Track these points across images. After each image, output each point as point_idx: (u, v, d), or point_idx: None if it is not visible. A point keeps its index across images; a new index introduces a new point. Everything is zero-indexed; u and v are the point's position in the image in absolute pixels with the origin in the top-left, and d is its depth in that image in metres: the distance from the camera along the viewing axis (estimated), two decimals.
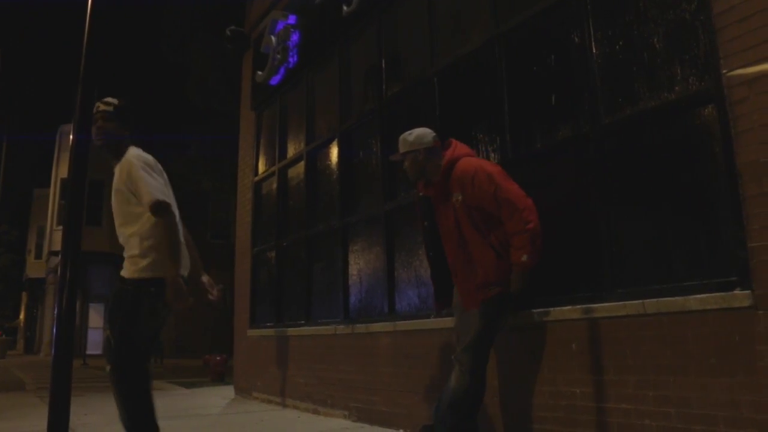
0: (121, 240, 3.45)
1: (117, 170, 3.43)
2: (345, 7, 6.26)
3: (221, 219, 25.96)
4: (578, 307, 3.56)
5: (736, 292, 2.89)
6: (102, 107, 3.49)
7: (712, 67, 3.12)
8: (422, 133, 3.78)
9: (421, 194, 3.91)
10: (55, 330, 2.97)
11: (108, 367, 3.27)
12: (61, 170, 27.23)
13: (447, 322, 4.45)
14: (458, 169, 3.62)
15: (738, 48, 3.00)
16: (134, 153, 3.44)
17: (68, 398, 2.93)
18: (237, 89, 9.76)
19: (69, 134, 26.57)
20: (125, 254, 3.40)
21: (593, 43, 3.76)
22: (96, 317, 26.40)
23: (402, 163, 3.85)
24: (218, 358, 11.56)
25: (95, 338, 25.84)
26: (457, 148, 3.76)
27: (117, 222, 3.46)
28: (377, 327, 5.29)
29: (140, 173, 3.30)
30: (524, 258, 3.39)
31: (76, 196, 3.13)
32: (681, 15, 3.34)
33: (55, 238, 26.92)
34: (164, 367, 17.91)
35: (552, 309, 3.71)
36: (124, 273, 3.35)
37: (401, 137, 3.83)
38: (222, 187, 19.30)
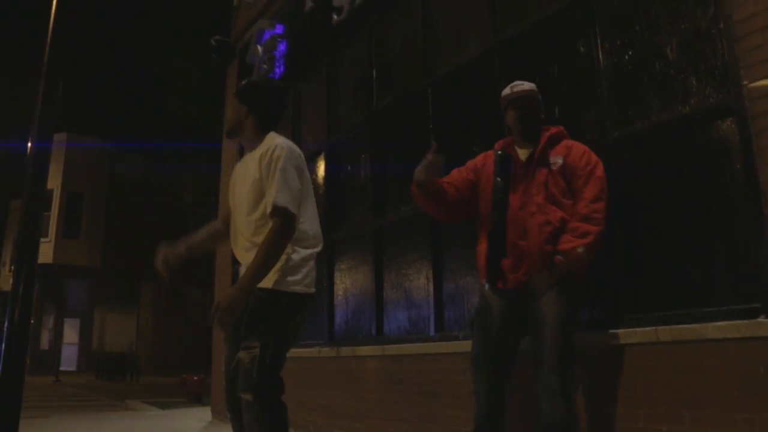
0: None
1: (257, 154, 2.86)
2: (335, 16, 6.04)
3: None
4: (584, 333, 3.31)
5: (760, 319, 2.65)
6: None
7: (732, 78, 2.91)
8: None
9: (500, 152, 3.28)
10: (3, 349, 2.65)
11: (246, 398, 2.64)
12: None
13: (440, 347, 4.20)
14: (572, 142, 3.15)
15: (761, 58, 2.79)
16: (286, 142, 2.89)
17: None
18: (221, 102, 9.49)
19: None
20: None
21: (600, 53, 3.56)
22: (71, 332, 25.66)
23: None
24: (196, 378, 11.17)
25: (70, 354, 25.12)
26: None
27: (244, 214, 2.90)
28: (364, 350, 5.00)
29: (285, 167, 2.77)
30: (580, 249, 2.83)
31: (33, 206, 2.86)
32: (696, 23, 3.13)
33: None
34: (140, 385, 17.44)
35: None
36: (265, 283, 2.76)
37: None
38: (203, 202, 18.94)
